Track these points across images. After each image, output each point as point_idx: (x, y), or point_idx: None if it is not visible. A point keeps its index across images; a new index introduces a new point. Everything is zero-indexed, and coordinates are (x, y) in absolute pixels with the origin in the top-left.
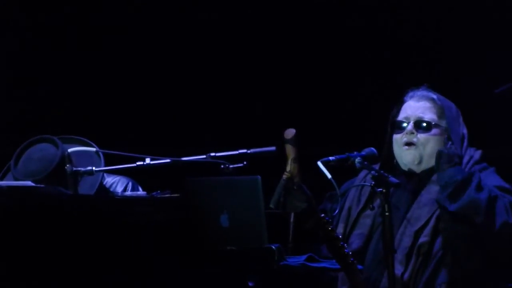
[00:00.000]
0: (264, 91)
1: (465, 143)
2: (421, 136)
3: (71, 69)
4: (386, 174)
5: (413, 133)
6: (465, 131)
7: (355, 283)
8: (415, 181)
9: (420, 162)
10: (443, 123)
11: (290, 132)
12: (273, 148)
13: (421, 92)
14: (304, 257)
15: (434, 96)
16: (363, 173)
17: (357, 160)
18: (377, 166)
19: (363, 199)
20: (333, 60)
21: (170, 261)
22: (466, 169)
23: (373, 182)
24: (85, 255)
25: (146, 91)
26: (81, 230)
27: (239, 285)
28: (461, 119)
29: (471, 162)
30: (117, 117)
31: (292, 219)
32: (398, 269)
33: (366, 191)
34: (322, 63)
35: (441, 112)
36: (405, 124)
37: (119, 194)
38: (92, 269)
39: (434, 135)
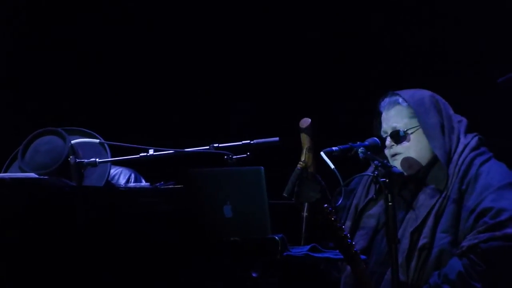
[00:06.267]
0: (267, 82)
1: (456, 128)
2: (401, 145)
3: (75, 61)
4: (389, 164)
5: (393, 145)
6: (445, 114)
7: (358, 273)
8: (412, 184)
9: (410, 167)
10: (417, 122)
11: (305, 122)
12: (276, 139)
13: (388, 99)
14: (308, 247)
15: (400, 99)
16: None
17: (360, 150)
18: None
19: (370, 197)
20: (342, 50)
21: (174, 251)
22: (462, 158)
23: (376, 172)
24: (89, 246)
25: (150, 82)
26: (85, 221)
27: (243, 276)
28: (440, 105)
29: (467, 149)
30: (120, 108)
31: (305, 209)
32: (400, 273)
33: (374, 189)
34: (329, 53)
35: (413, 111)
36: (385, 138)
37: (123, 185)
38: (95, 260)
39: (412, 139)
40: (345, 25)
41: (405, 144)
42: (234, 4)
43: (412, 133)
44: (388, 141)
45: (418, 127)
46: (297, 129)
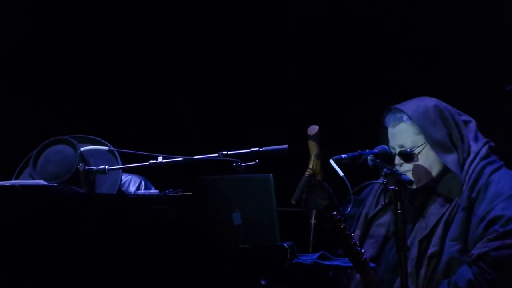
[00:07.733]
0: (276, 89)
1: (465, 136)
2: (410, 163)
3: (85, 68)
4: (398, 172)
5: (402, 162)
6: (452, 123)
7: (368, 281)
8: (423, 194)
9: (419, 181)
10: (424, 138)
11: (313, 129)
12: (285, 146)
13: (392, 116)
14: (317, 255)
15: (404, 117)
16: None
17: (369, 157)
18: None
19: (380, 206)
20: (351, 56)
21: (183, 259)
22: (472, 166)
23: (385, 180)
24: (98, 253)
25: (158, 90)
26: (94, 228)
27: (252, 283)
28: (445, 114)
29: (478, 158)
30: (130, 116)
31: (313, 216)
32: (409, 282)
33: (384, 199)
34: (338, 59)
35: (418, 128)
36: (393, 154)
37: (133, 193)
38: (105, 267)
39: (421, 156)
40: (354, 33)
41: (414, 161)
42: (245, 10)
43: (420, 151)
44: (397, 159)
45: (425, 144)
46: (305, 136)
